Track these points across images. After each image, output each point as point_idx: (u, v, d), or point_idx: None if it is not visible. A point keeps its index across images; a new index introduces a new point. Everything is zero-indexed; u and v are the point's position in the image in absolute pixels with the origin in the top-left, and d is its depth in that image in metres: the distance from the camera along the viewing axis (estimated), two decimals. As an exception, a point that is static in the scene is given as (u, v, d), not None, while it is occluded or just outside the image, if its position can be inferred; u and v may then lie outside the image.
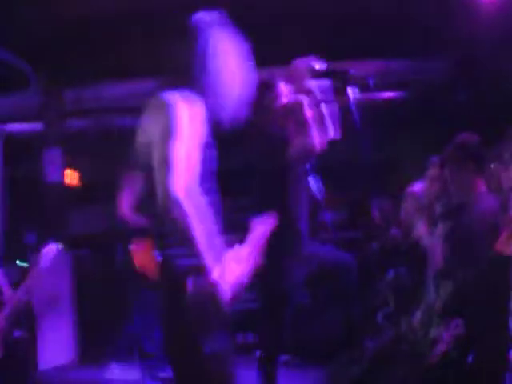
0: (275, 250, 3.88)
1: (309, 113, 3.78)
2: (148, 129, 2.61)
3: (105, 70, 7.89)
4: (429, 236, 4.90)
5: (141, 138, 2.67)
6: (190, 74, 2.57)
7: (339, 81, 2.64)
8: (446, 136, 4.48)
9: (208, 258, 2.35)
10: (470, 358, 3.82)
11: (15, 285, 4.39)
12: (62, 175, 7.80)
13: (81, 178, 8.52)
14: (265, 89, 3.72)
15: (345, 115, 3.48)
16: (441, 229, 4.54)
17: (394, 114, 7.02)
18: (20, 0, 6.39)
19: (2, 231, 7.91)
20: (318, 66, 2.79)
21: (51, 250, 4.16)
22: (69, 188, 8.07)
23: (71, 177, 8.30)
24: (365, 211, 7.16)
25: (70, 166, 8.09)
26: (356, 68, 6.64)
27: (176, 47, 2.63)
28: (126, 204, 2.86)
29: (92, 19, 6.93)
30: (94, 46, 7.62)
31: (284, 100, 3.87)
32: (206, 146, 2.53)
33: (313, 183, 4.47)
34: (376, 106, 6.45)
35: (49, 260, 4.11)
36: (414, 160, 5.36)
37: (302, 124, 3.83)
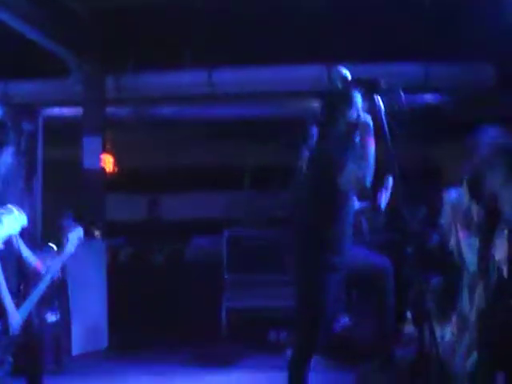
0: (312, 261, 3.87)
1: (370, 138, 3.67)
2: None
3: (145, 60, 7.92)
4: (465, 244, 4.81)
5: None
6: None
7: (368, 90, 2.60)
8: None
9: None
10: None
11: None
12: (101, 162, 7.86)
13: (118, 165, 8.55)
14: (340, 98, 3.55)
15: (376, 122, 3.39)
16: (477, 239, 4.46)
17: (437, 118, 6.92)
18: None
19: (41, 213, 8.01)
20: (349, 75, 2.75)
21: (77, 233, 4.13)
22: (106, 174, 8.10)
23: (109, 162, 8.33)
24: (402, 215, 7.03)
25: (108, 151, 8.12)
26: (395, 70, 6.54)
27: None
28: None
29: (130, 9, 6.98)
30: (134, 36, 7.66)
31: (354, 115, 3.76)
32: None
33: None
34: (418, 110, 6.38)
35: (74, 244, 4.09)
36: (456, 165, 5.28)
37: (362, 146, 3.72)
